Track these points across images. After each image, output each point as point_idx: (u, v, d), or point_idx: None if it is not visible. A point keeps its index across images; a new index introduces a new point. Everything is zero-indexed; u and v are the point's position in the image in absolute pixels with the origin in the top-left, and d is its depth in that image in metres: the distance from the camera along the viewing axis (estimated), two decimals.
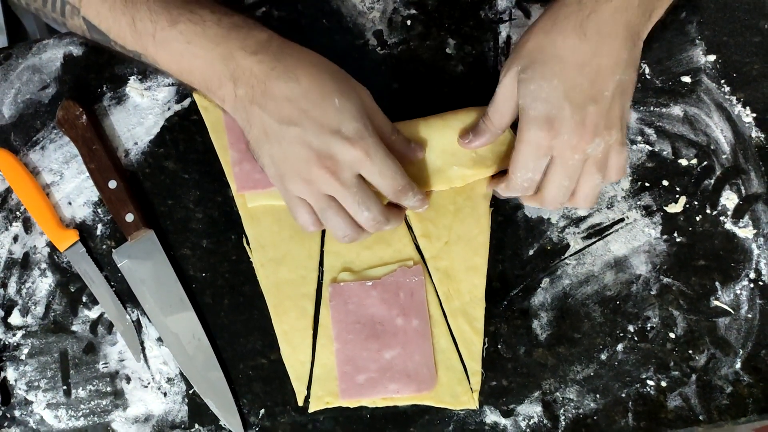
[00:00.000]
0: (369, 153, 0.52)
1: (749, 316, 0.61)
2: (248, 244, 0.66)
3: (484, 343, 0.62)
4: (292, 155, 0.52)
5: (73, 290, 0.67)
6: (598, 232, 0.63)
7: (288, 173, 0.53)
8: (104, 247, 0.67)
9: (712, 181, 0.62)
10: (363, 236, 0.57)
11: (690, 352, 0.61)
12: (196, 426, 0.65)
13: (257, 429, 0.64)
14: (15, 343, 0.68)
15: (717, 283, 0.61)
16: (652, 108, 0.64)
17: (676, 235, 0.62)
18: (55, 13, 0.56)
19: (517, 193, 0.58)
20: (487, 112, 0.58)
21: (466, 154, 0.60)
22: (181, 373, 0.65)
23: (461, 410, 0.62)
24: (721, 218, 0.62)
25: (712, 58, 0.63)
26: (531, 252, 0.63)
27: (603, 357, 0.61)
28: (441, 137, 0.61)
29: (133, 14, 0.53)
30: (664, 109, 0.63)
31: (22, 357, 0.67)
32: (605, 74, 0.51)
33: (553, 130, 0.52)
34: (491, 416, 0.62)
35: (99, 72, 0.69)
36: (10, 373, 0.67)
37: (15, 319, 0.68)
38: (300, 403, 0.63)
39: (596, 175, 0.54)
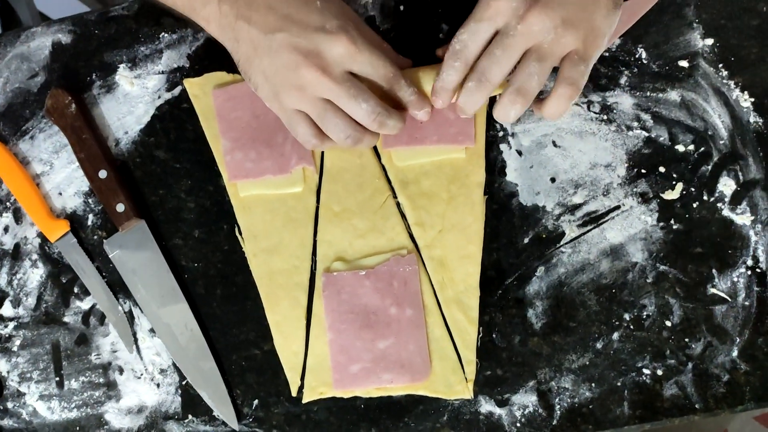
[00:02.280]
0: (356, 43, 0.51)
1: (746, 303, 0.60)
2: (240, 233, 0.65)
3: (479, 333, 0.62)
4: (281, 63, 0.52)
5: (64, 281, 0.67)
6: (594, 220, 0.62)
7: (281, 86, 0.53)
8: (95, 237, 0.67)
9: (710, 168, 0.62)
10: (367, 138, 0.55)
11: (686, 340, 0.60)
12: (190, 417, 0.64)
13: (251, 419, 0.64)
14: (7, 335, 0.67)
15: (714, 271, 0.61)
16: (648, 93, 0.63)
17: (672, 222, 0.61)
18: None
19: (450, 68, 0.53)
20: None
21: None
22: (174, 364, 0.65)
23: (456, 400, 0.62)
24: (719, 205, 0.61)
25: (709, 41, 0.62)
26: (526, 240, 0.63)
27: (598, 346, 0.61)
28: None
29: None
30: (660, 95, 0.62)
31: (14, 349, 0.67)
32: None
33: None
34: (486, 406, 0.61)
35: (88, 60, 0.68)
36: (3, 365, 0.67)
37: (6, 310, 0.67)
38: (293, 393, 0.63)
39: (534, 64, 0.51)
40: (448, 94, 0.55)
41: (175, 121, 0.67)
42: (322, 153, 0.65)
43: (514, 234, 0.63)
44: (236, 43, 0.54)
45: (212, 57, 0.67)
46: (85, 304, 0.67)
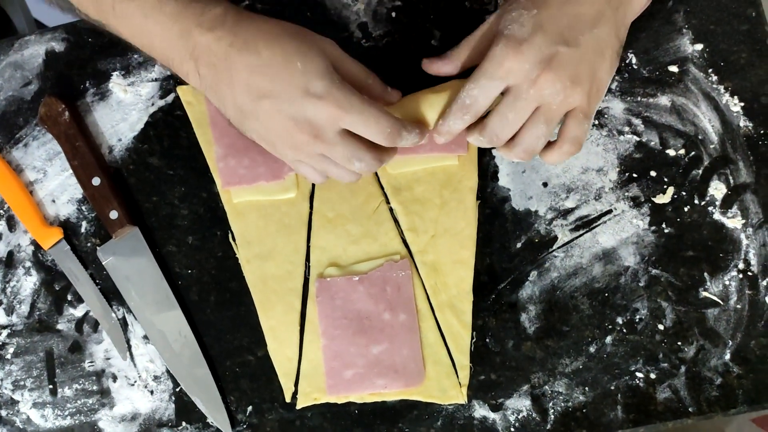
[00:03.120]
0: (342, 106, 0.51)
1: (738, 306, 0.60)
2: (234, 240, 0.65)
3: (472, 337, 0.62)
4: (272, 127, 0.52)
5: (57, 288, 0.67)
6: (586, 224, 0.62)
7: (277, 143, 0.53)
8: (89, 244, 0.67)
9: (700, 172, 0.62)
10: (367, 175, 0.57)
11: (679, 343, 0.60)
12: (184, 424, 0.64)
13: (245, 426, 0.64)
14: (0, 343, 0.67)
15: (706, 274, 0.61)
16: (639, 98, 0.63)
17: (664, 226, 0.62)
18: None
19: (457, 118, 0.54)
20: (460, 43, 0.57)
21: None
22: (168, 371, 0.65)
23: (450, 405, 0.62)
24: (710, 208, 0.62)
25: (699, 47, 0.63)
26: (519, 245, 0.63)
27: (592, 350, 0.61)
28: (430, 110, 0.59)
29: None
30: (651, 99, 0.63)
31: (8, 356, 0.67)
32: (584, 22, 0.51)
33: (519, 54, 0.50)
34: (480, 410, 0.62)
35: (81, 68, 0.68)
36: None
37: None
38: (288, 399, 0.63)
39: (542, 126, 0.52)
40: (451, 137, 0.56)
41: (169, 128, 0.67)
42: None
43: (506, 238, 0.63)
44: (222, 105, 0.53)
45: None
46: (78, 312, 0.67)
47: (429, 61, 0.58)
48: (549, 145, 0.55)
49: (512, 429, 0.61)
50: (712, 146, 0.62)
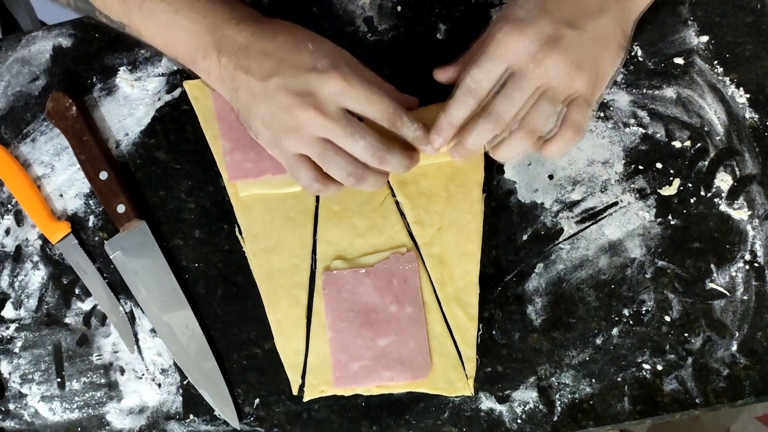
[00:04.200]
0: (347, 79, 0.51)
1: (745, 298, 0.60)
2: (240, 233, 0.65)
3: (479, 329, 0.62)
4: (277, 107, 0.53)
5: (65, 282, 0.67)
6: (592, 216, 0.62)
7: (279, 129, 0.53)
8: (96, 238, 0.67)
9: (706, 163, 0.62)
10: (370, 176, 0.54)
11: (686, 335, 0.60)
12: (191, 416, 0.65)
13: (252, 419, 0.64)
14: (8, 336, 0.67)
15: (712, 266, 0.61)
16: (644, 90, 0.63)
17: (670, 217, 0.62)
18: None
19: (460, 104, 0.52)
20: (469, 47, 0.57)
21: None
22: (175, 364, 0.65)
23: (456, 397, 0.62)
24: (716, 200, 0.62)
25: (704, 38, 0.63)
26: (524, 237, 0.63)
27: (598, 341, 0.61)
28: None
29: None
30: (656, 92, 0.63)
31: (16, 350, 0.67)
32: (588, 9, 0.51)
33: (523, 35, 0.50)
34: (487, 402, 0.62)
35: (89, 63, 0.69)
36: (4, 367, 0.67)
37: (8, 312, 0.68)
38: (294, 392, 0.63)
39: (547, 105, 0.51)
40: (453, 130, 0.54)
41: (175, 122, 0.67)
42: None
43: (512, 231, 0.63)
44: (235, 93, 0.55)
45: None
46: (86, 305, 0.67)
47: (439, 69, 0.59)
48: (550, 138, 0.54)
49: (519, 421, 0.61)
50: (718, 138, 0.62)
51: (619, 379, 0.60)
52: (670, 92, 0.63)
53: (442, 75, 0.59)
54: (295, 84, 0.52)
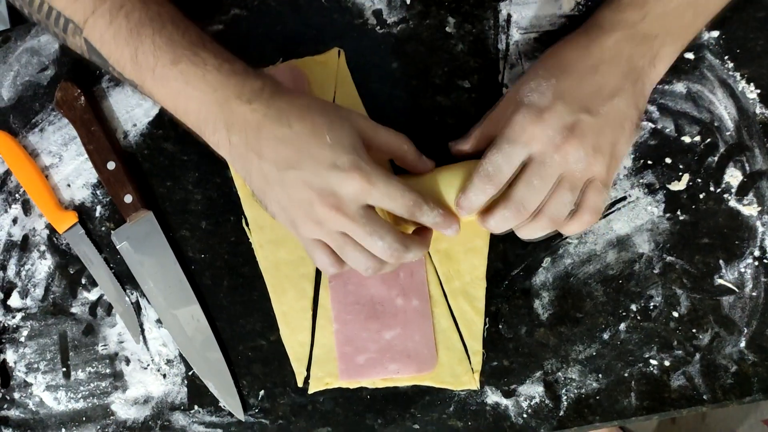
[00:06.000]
0: (370, 180, 0.50)
1: (754, 294, 0.60)
2: (247, 225, 0.65)
3: (485, 323, 0.62)
4: (296, 198, 0.51)
5: (72, 272, 0.67)
6: None
7: (297, 217, 0.52)
8: (103, 228, 0.67)
9: (716, 159, 0.62)
10: (387, 267, 0.55)
11: (694, 331, 0.60)
12: (196, 407, 0.64)
13: (257, 410, 0.64)
14: (14, 326, 0.67)
15: (721, 261, 0.61)
16: (654, 85, 0.63)
17: (679, 213, 0.61)
18: (57, 28, 0.55)
19: (479, 190, 0.53)
20: (482, 119, 0.58)
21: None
22: (181, 355, 0.65)
23: (462, 390, 0.61)
24: (725, 195, 0.61)
25: (715, 33, 0.63)
26: None
27: (605, 336, 0.61)
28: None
29: (137, 46, 0.53)
30: (666, 86, 0.63)
31: (22, 339, 0.67)
32: (604, 93, 0.52)
33: (541, 120, 0.51)
34: (492, 397, 0.61)
35: None
36: (10, 356, 0.67)
37: (14, 301, 0.68)
38: (300, 384, 0.63)
39: (568, 193, 0.52)
40: (473, 211, 0.54)
41: None
42: None
43: None
44: (248, 174, 0.53)
45: None
46: (92, 295, 0.67)
47: (453, 143, 0.59)
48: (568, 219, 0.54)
49: (525, 415, 0.61)
50: (727, 133, 0.62)
51: (626, 375, 0.60)
52: (680, 87, 0.62)
53: (457, 148, 0.59)
54: (315, 181, 0.50)
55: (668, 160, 0.62)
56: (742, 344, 0.59)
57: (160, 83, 0.53)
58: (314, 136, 0.51)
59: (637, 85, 0.53)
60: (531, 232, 0.55)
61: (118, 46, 0.53)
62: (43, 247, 0.68)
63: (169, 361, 0.65)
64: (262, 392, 0.64)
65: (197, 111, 0.53)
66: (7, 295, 0.68)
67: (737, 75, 0.62)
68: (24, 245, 0.68)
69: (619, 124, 0.52)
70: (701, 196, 0.61)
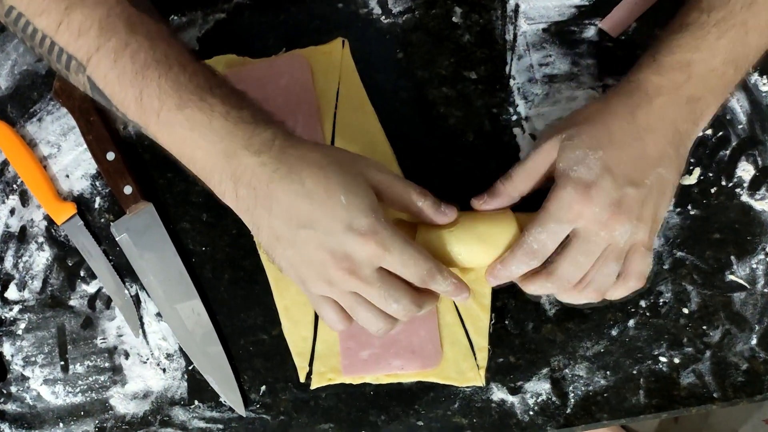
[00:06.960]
0: (385, 245, 0.48)
1: (765, 290, 0.59)
2: None
3: (491, 319, 0.61)
4: (308, 258, 0.50)
5: (70, 264, 0.66)
6: None
7: (308, 276, 0.51)
8: (102, 220, 0.66)
9: (728, 152, 0.60)
10: (398, 325, 0.54)
11: (704, 327, 0.59)
12: (196, 402, 0.63)
13: (258, 405, 0.63)
14: (12, 318, 0.66)
15: (732, 257, 0.59)
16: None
17: (690, 207, 0.60)
18: (59, 64, 0.52)
19: (521, 263, 0.52)
20: (510, 173, 0.55)
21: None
22: (181, 349, 0.64)
23: (467, 387, 0.60)
24: (737, 190, 0.60)
25: None
26: None
27: (614, 333, 0.60)
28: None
29: (142, 88, 0.50)
30: None
31: (19, 332, 0.66)
32: (648, 162, 0.51)
33: (588, 197, 0.50)
34: (498, 393, 0.60)
35: None
36: (7, 348, 0.66)
37: (12, 293, 0.67)
38: (302, 379, 0.62)
39: (613, 265, 0.51)
40: (508, 281, 0.54)
41: None
42: (332, 135, 0.64)
43: None
44: (257, 229, 0.51)
45: (222, 40, 0.66)
46: (91, 288, 0.66)
47: (478, 200, 0.56)
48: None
49: (531, 413, 0.60)
50: (740, 127, 0.61)
51: (634, 372, 0.59)
52: None
53: (484, 208, 0.57)
54: (330, 243, 0.49)
55: None
56: (754, 341, 0.58)
57: (164, 128, 0.51)
58: (328, 195, 0.48)
59: (680, 150, 0.52)
60: (573, 299, 0.54)
61: (122, 87, 0.50)
62: (41, 239, 0.67)
63: (168, 356, 0.64)
64: (263, 387, 0.63)
65: (203, 160, 0.50)
66: (5, 287, 0.67)
67: None
68: (22, 236, 0.67)
69: (662, 191, 0.51)
70: (713, 190, 0.60)
